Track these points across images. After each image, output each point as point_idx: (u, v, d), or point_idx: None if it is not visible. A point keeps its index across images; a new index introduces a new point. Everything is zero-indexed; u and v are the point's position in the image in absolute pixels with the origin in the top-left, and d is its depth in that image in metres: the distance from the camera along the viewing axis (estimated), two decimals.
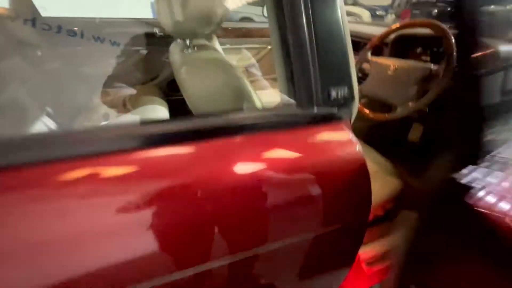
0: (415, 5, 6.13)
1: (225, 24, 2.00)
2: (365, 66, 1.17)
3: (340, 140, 0.52)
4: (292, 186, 0.48)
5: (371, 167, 1.07)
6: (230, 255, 0.44)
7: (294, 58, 0.46)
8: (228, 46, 2.06)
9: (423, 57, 1.17)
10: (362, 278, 0.86)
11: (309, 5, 0.45)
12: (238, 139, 0.45)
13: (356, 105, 0.53)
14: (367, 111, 1.12)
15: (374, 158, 1.12)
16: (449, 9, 6.13)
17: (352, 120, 0.56)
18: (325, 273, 0.64)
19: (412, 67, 0.98)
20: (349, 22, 1.96)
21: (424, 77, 0.95)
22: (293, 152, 0.47)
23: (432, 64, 0.94)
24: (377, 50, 1.40)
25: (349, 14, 6.80)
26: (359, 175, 0.54)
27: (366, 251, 0.89)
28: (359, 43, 1.54)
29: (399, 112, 0.99)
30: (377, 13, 8.20)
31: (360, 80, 1.17)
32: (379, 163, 1.09)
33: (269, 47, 2.16)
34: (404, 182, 1.40)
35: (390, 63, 1.05)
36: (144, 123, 0.45)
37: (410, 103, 0.97)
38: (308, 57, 0.46)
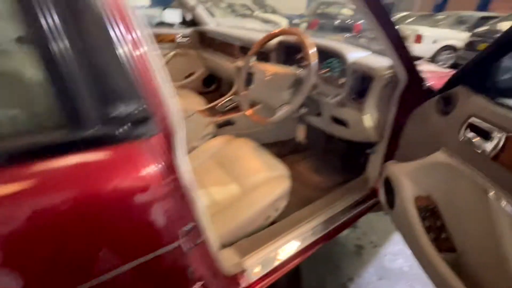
0: (321, 16, 6.92)
1: None
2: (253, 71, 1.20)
3: (123, 165, 0.43)
4: (60, 223, 0.38)
5: (260, 173, 1.10)
6: None
7: (52, 73, 0.35)
8: None
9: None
10: None
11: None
12: None
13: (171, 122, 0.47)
14: (252, 114, 1.13)
15: (266, 161, 1.14)
16: (348, 21, 7.19)
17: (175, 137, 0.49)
18: None
19: (283, 73, 1.03)
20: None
21: (294, 82, 1.00)
22: (60, 182, 0.39)
23: (299, 70, 1.00)
24: (267, 57, 1.47)
25: (268, 22, 7.22)
26: (145, 201, 0.46)
27: (249, 262, 0.88)
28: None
29: (277, 116, 1.02)
30: (294, 21, 8.96)
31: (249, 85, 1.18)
32: (270, 165, 1.11)
33: (172, 53, 2.06)
34: (296, 178, 1.50)
35: (266, 69, 1.09)
36: None
37: (285, 106, 1.02)
38: (66, 72, 0.36)
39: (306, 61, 0.94)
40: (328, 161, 1.65)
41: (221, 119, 1.40)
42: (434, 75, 1.20)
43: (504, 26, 4.66)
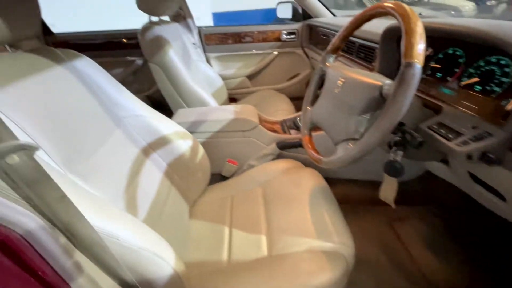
0: None
1: (218, 29, 1.81)
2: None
3: None
4: None
5: (303, 238, 0.69)
6: None
7: None
8: (222, 53, 1.87)
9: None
10: None
11: None
12: None
13: None
14: (308, 143, 0.73)
15: (322, 218, 0.74)
16: None
17: None
18: None
19: (362, 82, 0.56)
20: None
21: (372, 100, 0.53)
22: None
23: (386, 80, 0.51)
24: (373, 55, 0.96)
25: (439, 8, 5.50)
26: None
27: None
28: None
29: (331, 160, 0.58)
30: (487, 3, 6.36)
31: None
32: (323, 229, 0.70)
33: (275, 52, 1.86)
34: (387, 250, 0.88)
35: (341, 73, 0.65)
36: None
37: (349, 144, 0.56)
38: None
39: (402, 62, 0.45)
40: (456, 234, 0.93)
41: (287, 137, 1.07)
42: None
43: None
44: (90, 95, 0.72)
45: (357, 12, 0.67)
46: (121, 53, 1.81)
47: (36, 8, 0.61)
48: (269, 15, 6.39)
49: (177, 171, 0.89)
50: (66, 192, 0.36)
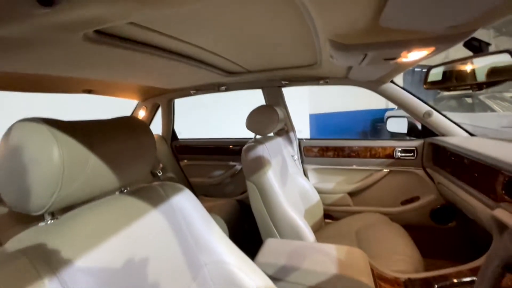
0: None
1: (319, 142, 1.73)
2: None
3: None
4: None
5: None
6: None
7: None
8: (321, 166, 1.72)
9: None
10: None
11: None
12: None
13: None
14: None
15: None
16: None
17: None
18: None
19: None
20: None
21: None
22: None
23: None
24: None
25: None
26: None
27: None
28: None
29: None
30: None
31: None
32: None
33: (385, 170, 1.58)
34: None
35: None
36: None
37: None
38: None
39: None
40: None
41: None
42: None
43: None
44: (176, 238, 0.64)
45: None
46: (226, 157, 1.95)
47: (150, 155, 0.64)
48: (367, 116, 6.31)
49: None
50: None
